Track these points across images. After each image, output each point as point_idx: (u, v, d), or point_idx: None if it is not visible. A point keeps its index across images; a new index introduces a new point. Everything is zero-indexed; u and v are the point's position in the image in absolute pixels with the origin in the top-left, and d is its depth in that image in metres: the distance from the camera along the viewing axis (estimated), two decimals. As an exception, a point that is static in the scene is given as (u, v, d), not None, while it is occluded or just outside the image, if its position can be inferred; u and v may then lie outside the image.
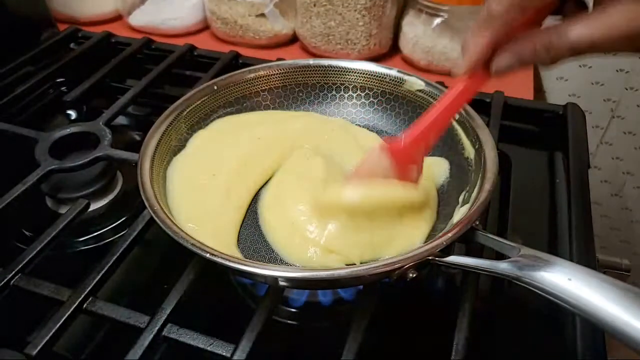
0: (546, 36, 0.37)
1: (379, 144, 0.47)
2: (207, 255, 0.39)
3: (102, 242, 0.59)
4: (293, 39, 0.96)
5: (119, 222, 0.61)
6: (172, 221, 0.42)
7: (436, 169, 0.54)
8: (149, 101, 0.79)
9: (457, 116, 0.53)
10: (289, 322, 0.51)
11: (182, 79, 0.80)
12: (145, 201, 0.44)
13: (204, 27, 1.01)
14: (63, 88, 0.83)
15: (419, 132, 0.46)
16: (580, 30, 0.36)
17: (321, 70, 0.61)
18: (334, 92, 0.61)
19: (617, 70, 0.92)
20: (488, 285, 0.49)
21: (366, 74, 0.60)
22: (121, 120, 0.69)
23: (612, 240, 1.17)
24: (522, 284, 0.36)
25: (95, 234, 0.60)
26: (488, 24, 0.40)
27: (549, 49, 0.37)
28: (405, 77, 0.58)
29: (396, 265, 0.38)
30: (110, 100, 0.70)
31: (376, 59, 0.89)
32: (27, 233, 0.60)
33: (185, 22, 0.97)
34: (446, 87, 0.56)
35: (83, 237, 0.59)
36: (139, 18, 0.98)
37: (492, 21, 0.39)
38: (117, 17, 1.03)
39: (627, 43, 0.35)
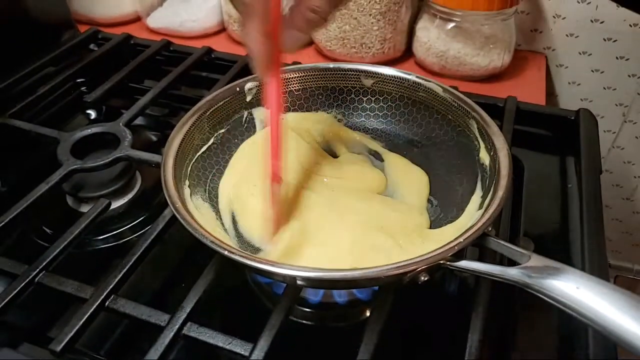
0: (306, 2, 0.42)
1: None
2: (226, 252, 0.40)
3: (121, 241, 0.60)
4: (308, 43, 0.97)
5: (138, 221, 0.62)
6: (193, 219, 0.43)
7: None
8: (167, 102, 0.80)
9: (474, 123, 0.54)
10: (305, 322, 0.52)
11: (199, 81, 0.81)
12: (167, 198, 0.45)
13: (221, 29, 1.02)
14: (83, 88, 0.85)
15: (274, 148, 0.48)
16: None
17: (341, 74, 0.62)
18: (352, 96, 0.62)
19: (629, 76, 0.92)
20: (501, 289, 0.50)
21: (385, 78, 0.61)
22: (139, 120, 0.71)
23: (623, 244, 1.17)
24: (532, 291, 0.37)
25: (115, 232, 0.61)
26: (248, 20, 0.42)
27: (314, 10, 0.43)
28: (423, 83, 0.59)
29: (409, 268, 0.38)
30: (129, 100, 0.71)
31: (390, 63, 0.90)
32: (48, 231, 0.61)
33: (202, 24, 0.98)
34: (460, 91, 0.57)
35: (102, 235, 0.60)
36: (157, 20, 1.00)
37: (248, 16, 0.42)
38: (136, 19, 1.05)
39: None
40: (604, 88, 0.96)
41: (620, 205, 1.11)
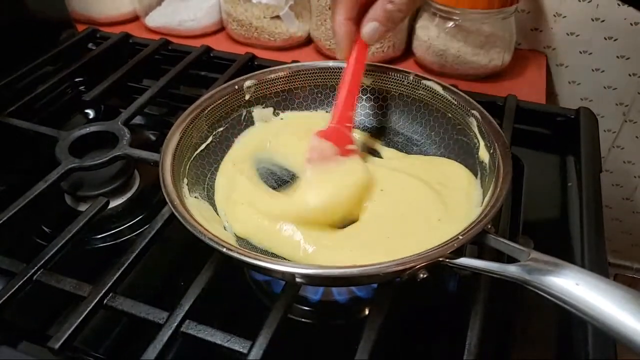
0: None
1: (313, 134, 0.54)
2: (224, 250, 0.40)
3: (120, 240, 0.60)
4: (307, 41, 0.97)
5: (137, 219, 0.62)
6: (191, 217, 0.43)
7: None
8: (165, 101, 0.80)
9: (474, 121, 0.54)
10: (304, 320, 0.51)
11: (198, 80, 0.81)
12: (165, 196, 0.45)
13: (220, 28, 1.02)
14: (81, 87, 0.85)
15: (339, 112, 0.55)
16: None
17: (340, 72, 0.61)
18: None
19: (629, 75, 0.92)
20: (500, 287, 0.50)
21: (384, 76, 0.61)
22: (137, 119, 0.71)
23: (623, 243, 1.16)
24: (531, 288, 0.37)
25: (113, 231, 0.61)
26: (337, 3, 0.51)
27: (392, 2, 0.49)
28: (423, 81, 0.59)
29: (407, 265, 0.38)
30: (127, 99, 0.71)
31: (390, 61, 0.90)
32: (46, 229, 0.61)
33: (201, 23, 0.98)
34: (460, 90, 0.57)
35: (101, 234, 0.60)
36: (156, 19, 1.00)
37: (336, 1, 0.51)
38: (135, 18, 1.05)
39: None
40: (605, 87, 0.96)
41: (620, 205, 1.11)
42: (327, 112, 0.63)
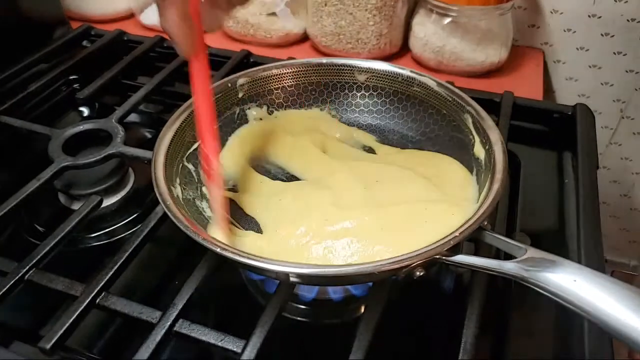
0: None
1: None
2: (218, 250, 0.39)
3: (114, 238, 0.60)
4: (304, 38, 0.96)
5: (131, 218, 0.61)
6: (184, 216, 0.43)
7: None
8: (160, 99, 0.80)
9: (469, 118, 0.53)
10: (299, 319, 0.51)
11: (193, 77, 0.80)
12: (158, 195, 0.45)
13: (216, 25, 1.01)
14: (75, 85, 0.84)
15: (201, 132, 0.48)
16: None
17: (334, 69, 0.61)
18: (346, 91, 0.62)
19: (626, 71, 0.92)
20: (496, 285, 0.50)
21: (379, 73, 0.60)
22: (132, 117, 0.70)
23: (620, 240, 1.16)
24: (528, 285, 0.36)
25: (107, 230, 0.60)
26: (165, 6, 0.42)
27: None
28: (417, 77, 0.58)
29: (404, 263, 0.38)
30: (122, 97, 0.71)
31: (386, 58, 0.90)
32: (39, 228, 0.60)
33: (196, 20, 0.98)
34: (456, 87, 0.57)
35: (95, 233, 0.60)
36: (151, 16, 0.99)
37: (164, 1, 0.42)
38: (129, 16, 1.04)
39: None
40: (602, 84, 0.95)
41: (617, 202, 1.11)
42: (321, 109, 0.63)
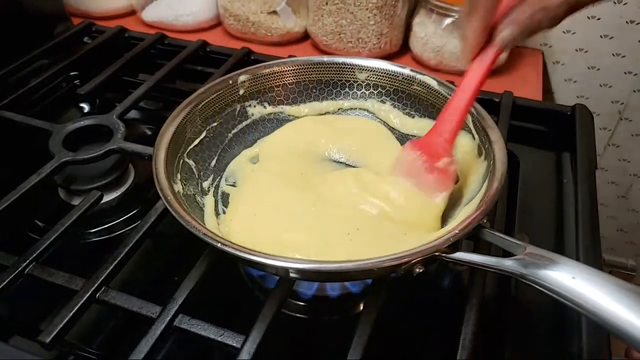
0: (540, 2, 0.40)
1: (408, 143, 0.50)
2: (219, 245, 0.39)
3: (114, 234, 0.60)
4: (304, 37, 0.97)
5: (131, 214, 0.62)
6: (185, 211, 0.43)
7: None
8: (161, 96, 0.80)
9: (469, 117, 0.53)
10: (298, 315, 0.51)
11: (194, 75, 0.80)
12: (159, 191, 0.45)
13: (217, 23, 1.01)
14: (76, 81, 0.84)
15: (443, 122, 0.49)
16: None
17: (335, 67, 0.61)
18: (347, 89, 0.62)
19: (625, 73, 0.92)
20: (495, 283, 0.50)
21: (379, 71, 0.60)
22: (133, 114, 0.70)
23: (618, 241, 1.17)
24: (527, 282, 0.37)
25: (107, 225, 0.61)
26: (474, 7, 0.43)
27: (545, 7, 0.40)
28: (418, 76, 0.58)
29: (403, 260, 0.38)
30: (122, 94, 0.71)
31: (386, 57, 0.90)
32: (39, 223, 0.61)
33: (198, 18, 0.98)
34: (456, 86, 0.57)
35: (95, 228, 0.60)
36: (152, 14, 0.99)
37: (476, 3, 0.42)
38: (131, 12, 1.04)
39: None
40: (600, 85, 0.96)
41: (615, 203, 1.11)
42: (321, 105, 0.63)
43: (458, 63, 0.84)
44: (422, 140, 0.51)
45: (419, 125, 0.60)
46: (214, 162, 0.57)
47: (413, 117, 0.60)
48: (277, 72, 0.61)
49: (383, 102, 0.62)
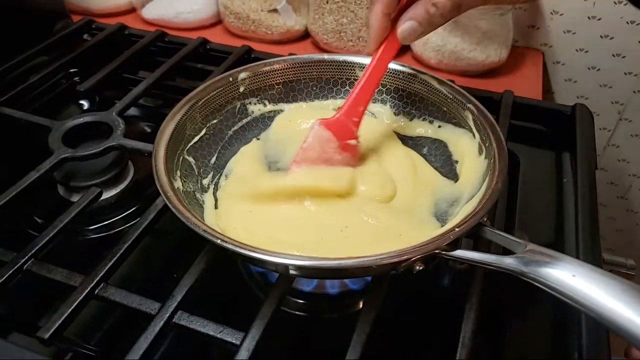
0: None
1: (317, 121, 0.53)
2: (218, 241, 0.39)
3: (113, 231, 0.60)
4: (305, 35, 0.96)
5: (130, 211, 0.62)
6: (185, 207, 0.43)
7: None
8: (161, 93, 0.80)
9: (470, 115, 0.53)
10: (297, 312, 0.51)
11: (194, 72, 0.80)
12: (159, 187, 0.45)
13: (217, 21, 1.01)
14: (76, 78, 0.84)
15: (349, 104, 0.53)
16: None
17: (335, 66, 0.61)
18: (347, 87, 0.62)
19: (625, 73, 0.92)
20: (495, 281, 0.50)
21: None
22: (132, 111, 0.70)
23: (617, 242, 1.17)
24: (528, 280, 0.37)
25: (107, 222, 0.61)
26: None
27: (435, 5, 0.46)
28: (419, 75, 0.58)
29: (403, 257, 0.38)
30: (122, 91, 0.70)
31: (387, 56, 0.90)
32: (38, 220, 0.60)
33: (198, 15, 0.98)
34: (457, 85, 0.57)
35: (94, 225, 0.60)
36: (152, 11, 0.99)
37: None
38: (131, 10, 1.04)
39: None
40: (600, 86, 0.96)
41: (614, 204, 1.11)
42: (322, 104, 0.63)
43: (459, 62, 0.84)
44: (333, 120, 0.53)
45: (414, 127, 0.60)
46: (213, 160, 0.57)
47: (411, 119, 0.60)
48: (278, 70, 0.61)
49: (384, 100, 0.61)
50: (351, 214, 0.49)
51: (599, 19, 0.88)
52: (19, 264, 0.47)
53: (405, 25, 0.48)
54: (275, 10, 0.91)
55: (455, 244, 0.40)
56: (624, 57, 0.91)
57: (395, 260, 0.38)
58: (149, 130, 0.76)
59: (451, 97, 0.56)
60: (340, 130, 0.53)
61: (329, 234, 0.47)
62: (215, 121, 0.58)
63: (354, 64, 0.61)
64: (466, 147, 0.54)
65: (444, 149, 0.58)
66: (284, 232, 0.48)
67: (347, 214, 0.49)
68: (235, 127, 0.60)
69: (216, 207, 0.52)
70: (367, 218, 0.49)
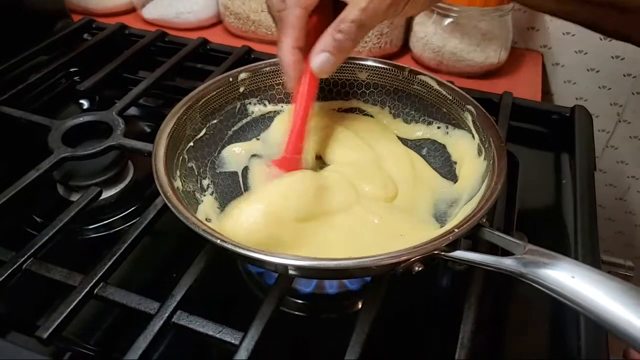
0: (335, 24, 0.46)
1: (267, 164, 0.54)
2: (218, 241, 0.39)
3: (113, 230, 0.60)
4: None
5: (130, 210, 0.62)
6: (184, 207, 0.43)
7: None
8: (161, 93, 0.80)
9: (469, 116, 0.53)
10: (296, 313, 0.51)
11: (194, 72, 0.80)
12: (158, 187, 0.44)
13: (217, 21, 1.01)
14: (76, 78, 0.84)
15: (291, 144, 0.52)
16: (353, 9, 0.44)
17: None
18: (347, 88, 0.62)
19: (624, 75, 0.92)
20: (494, 282, 0.50)
21: (379, 71, 0.60)
22: (132, 111, 0.70)
23: (616, 243, 1.17)
24: (527, 281, 0.37)
25: (106, 222, 0.61)
26: (284, 31, 0.48)
27: (341, 31, 0.45)
28: (418, 76, 0.58)
29: (403, 258, 0.38)
30: (122, 91, 0.71)
31: (387, 57, 0.89)
32: (38, 219, 0.61)
33: (198, 16, 0.98)
34: (456, 87, 0.57)
35: (94, 224, 0.60)
36: (153, 11, 0.99)
37: (284, 27, 0.48)
38: (131, 10, 1.04)
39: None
40: (599, 87, 0.96)
41: (613, 205, 1.11)
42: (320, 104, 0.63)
43: (458, 63, 0.84)
44: (279, 160, 0.52)
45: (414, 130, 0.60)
46: (214, 159, 0.57)
47: (409, 122, 0.60)
48: (278, 71, 0.61)
49: (383, 102, 0.61)
50: (356, 213, 0.49)
51: (599, 21, 0.88)
52: (18, 263, 0.47)
53: (318, 59, 0.47)
54: (275, 11, 0.91)
55: (454, 245, 0.40)
56: (622, 59, 0.91)
57: (395, 260, 0.38)
58: (148, 130, 0.77)
59: (450, 98, 0.56)
60: (290, 166, 0.52)
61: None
62: (215, 121, 0.58)
63: (354, 64, 0.61)
64: (465, 148, 0.54)
65: (443, 150, 0.58)
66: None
67: (352, 212, 0.50)
68: (235, 127, 0.60)
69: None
70: (372, 217, 0.49)
